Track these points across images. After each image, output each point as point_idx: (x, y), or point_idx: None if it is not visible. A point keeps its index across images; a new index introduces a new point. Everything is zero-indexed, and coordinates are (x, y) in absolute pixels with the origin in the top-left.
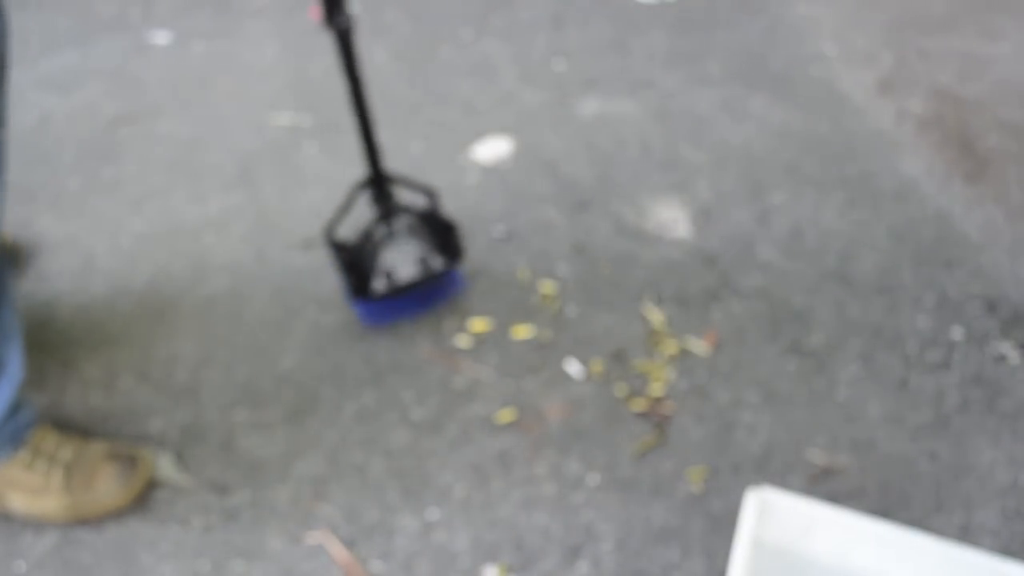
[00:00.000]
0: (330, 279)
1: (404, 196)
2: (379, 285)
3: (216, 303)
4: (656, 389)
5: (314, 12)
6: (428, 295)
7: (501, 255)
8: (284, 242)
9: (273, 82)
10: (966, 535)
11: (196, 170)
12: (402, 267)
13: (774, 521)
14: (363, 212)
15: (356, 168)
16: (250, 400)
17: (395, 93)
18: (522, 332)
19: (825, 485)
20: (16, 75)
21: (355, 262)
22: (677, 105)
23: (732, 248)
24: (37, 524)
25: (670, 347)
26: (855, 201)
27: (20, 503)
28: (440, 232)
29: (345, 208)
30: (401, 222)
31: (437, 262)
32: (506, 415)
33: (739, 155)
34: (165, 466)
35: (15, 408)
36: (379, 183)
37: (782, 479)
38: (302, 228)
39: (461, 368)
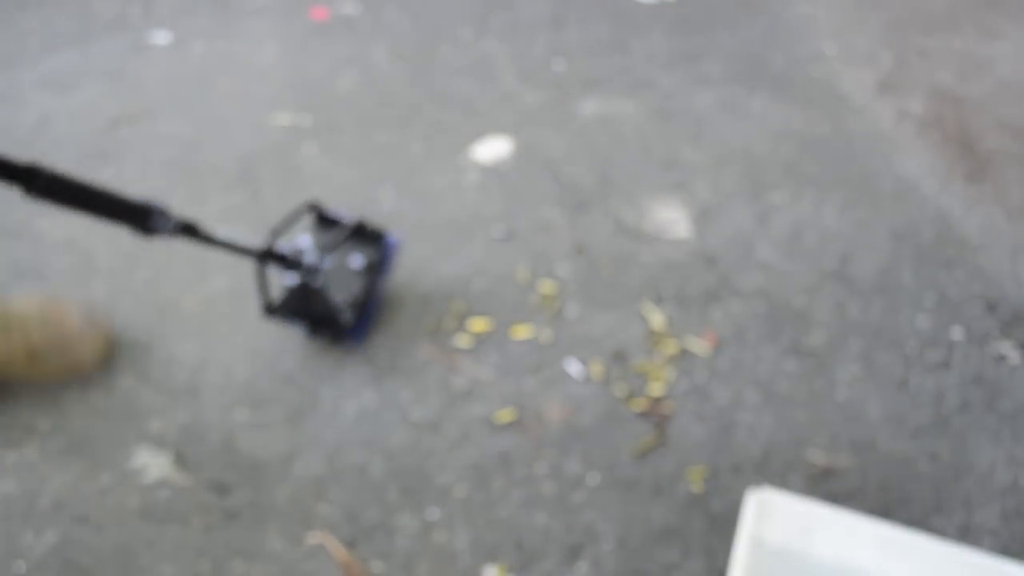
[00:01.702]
0: None
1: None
2: (347, 313)
3: (216, 303)
4: (656, 389)
5: (315, 13)
6: (379, 277)
7: (501, 255)
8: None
9: (273, 82)
10: (966, 535)
11: (196, 170)
12: (352, 285)
13: (774, 521)
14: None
15: (355, 168)
16: (250, 400)
17: (395, 93)
18: (522, 332)
19: (825, 485)
20: (16, 75)
21: (307, 311)
22: (677, 105)
23: (732, 248)
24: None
25: (670, 347)
26: (855, 201)
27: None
28: (349, 228)
29: (262, 283)
30: (316, 252)
31: (371, 253)
32: (506, 415)
33: (739, 155)
34: (165, 466)
35: None
36: (268, 255)
37: (782, 479)
38: (302, 228)
39: (461, 368)
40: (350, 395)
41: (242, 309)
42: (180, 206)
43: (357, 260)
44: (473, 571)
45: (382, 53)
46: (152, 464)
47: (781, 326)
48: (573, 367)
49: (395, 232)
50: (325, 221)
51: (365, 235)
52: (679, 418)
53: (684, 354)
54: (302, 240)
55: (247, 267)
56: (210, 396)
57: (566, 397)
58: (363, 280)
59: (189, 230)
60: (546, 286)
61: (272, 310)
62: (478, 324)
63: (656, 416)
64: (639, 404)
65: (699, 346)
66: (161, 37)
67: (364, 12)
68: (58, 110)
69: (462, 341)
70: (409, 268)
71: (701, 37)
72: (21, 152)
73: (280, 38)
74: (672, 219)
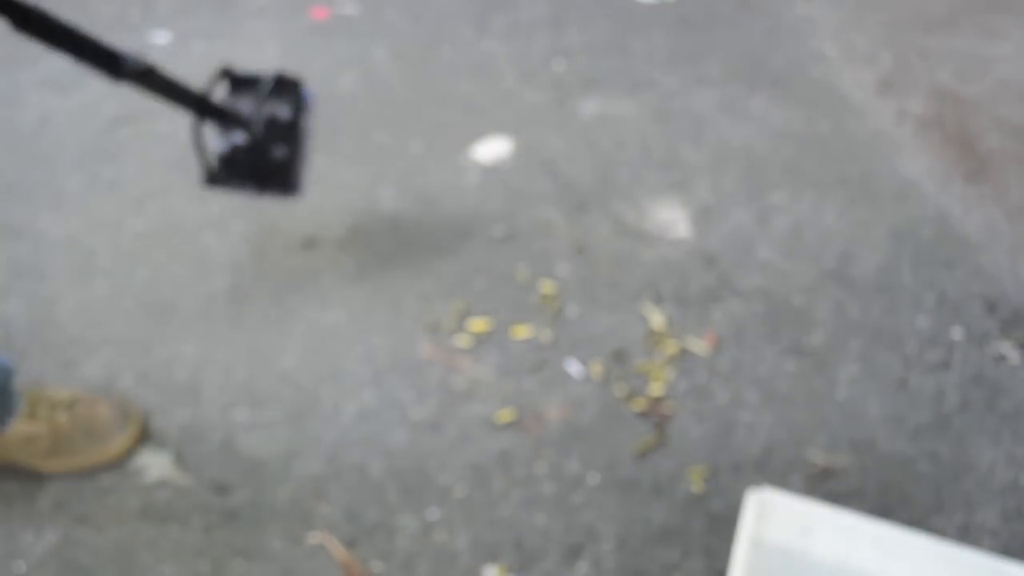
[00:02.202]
0: (330, 278)
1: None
2: (287, 166)
3: (216, 303)
4: (656, 389)
5: (315, 13)
6: (305, 123)
7: (501, 255)
8: (284, 242)
9: None
10: (966, 535)
11: (196, 170)
12: (282, 135)
13: (774, 521)
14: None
15: (355, 168)
16: (250, 400)
17: (395, 93)
18: (522, 332)
19: (825, 485)
20: (16, 75)
21: (248, 170)
22: (677, 105)
23: (732, 248)
24: (50, 476)
25: (670, 347)
26: (855, 201)
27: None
28: (267, 83)
29: (201, 147)
30: (236, 109)
31: (294, 103)
32: (506, 415)
33: (739, 155)
34: (165, 466)
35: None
36: (206, 111)
37: (782, 479)
38: (302, 228)
39: (461, 368)
40: (350, 395)
41: (242, 309)
42: (180, 206)
43: (284, 111)
44: (473, 571)
45: (382, 53)
46: (152, 464)
47: (781, 326)
48: (573, 367)
49: (307, 84)
50: (240, 82)
51: (283, 87)
52: (679, 418)
53: (684, 354)
54: (226, 102)
55: (247, 267)
56: (210, 396)
57: (566, 397)
58: (295, 130)
59: (148, 75)
60: (546, 286)
61: (215, 177)
62: (478, 324)
63: (656, 416)
64: (639, 404)
65: (699, 346)
66: (161, 37)
67: (364, 12)
68: (58, 110)
69: (462, 341)
70: (409, 267)
71: (701, 37)
72: (21, 152)
73: (280, 38)
74: (672, 219)
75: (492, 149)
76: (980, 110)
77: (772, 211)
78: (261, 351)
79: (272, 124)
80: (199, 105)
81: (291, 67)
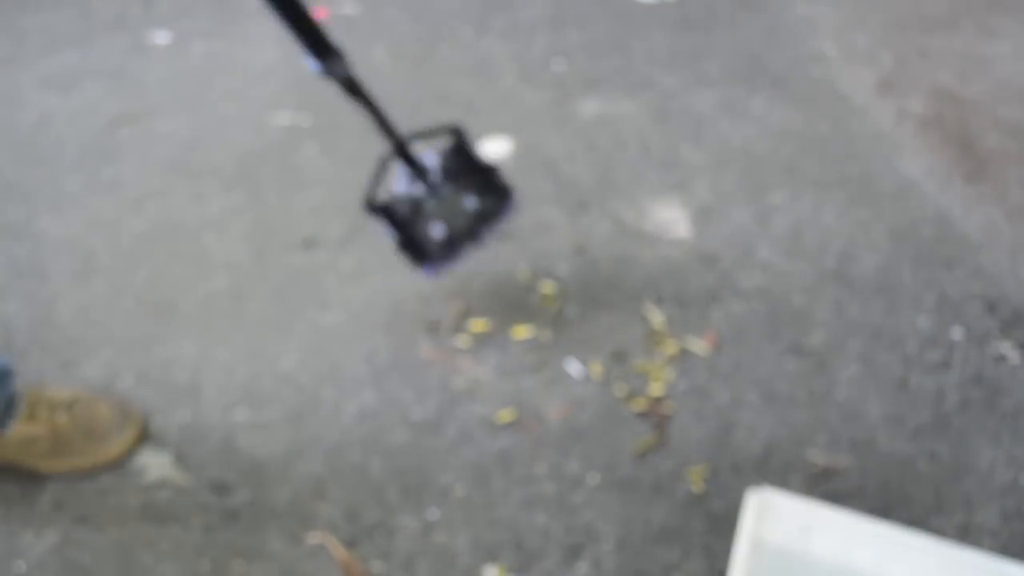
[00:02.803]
0: (330, 278)
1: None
2: (438, 245)
3: (216, 303)
4: (656, 389)
5: (315, 13)
6: (483, 229)
7: (501, 255)
8: (284, 242)
9: (273, 82)
10: (966, 535)
11: (196, 170)
12: (455, 219)
13: (774, 521)
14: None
15: (355, 168)
16: (250, 400)
17: (395, 93)
18: (522, 332)
19: (825, 485)
20: (16, 75)
21: (406, 223)
22: (677, 105)
23: (732, 248)
24: (55, 477)
25: (670, 347)
26: (855, 201)
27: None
28: (481, 170)
29: (378, 177)
30: (439, 174)
31: (487, 203)
32: (506, 415)
33: (739, 155)
34: (165, 466)
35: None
36: (403, 149)
37: (782, 479)
38: (302, 228)
39: (461, 368)
40: (350, 395)
41: (242, 309)
42: (180, 206)
43: (471, 202)
44: (473, 571)
45: (382, 53)
46: (152, 464)
47: (781, 326)
48: (573, 367)
49: (517, 194)
50: (461, 151)
51: (490, 182)
52: (679, 418)
53: (684, 354)
54: (428, 156)
55: (247, 267)
56: (210, 396)
57: (566, 397)
58: (468, 223)
59: (352, 86)
60: (546, 286)
61: (375, 206)
62: (478, 324)
63: (656, 416)
64: (639, 404)
65: (699, 346)
66: (161, 37)
67: (364, 12)
68: (58, 110)
69: (462, 341)
70: (409, 267)
71: (701, 37)
72: (21, 152)
73: (280, 38)
74: (672, 219)
75: (492, 149)
76: (980, 110)
77: (772, 211)
78: (261, 351)
79: (452, 203)
80: (399, 144)
81: (291, 67)
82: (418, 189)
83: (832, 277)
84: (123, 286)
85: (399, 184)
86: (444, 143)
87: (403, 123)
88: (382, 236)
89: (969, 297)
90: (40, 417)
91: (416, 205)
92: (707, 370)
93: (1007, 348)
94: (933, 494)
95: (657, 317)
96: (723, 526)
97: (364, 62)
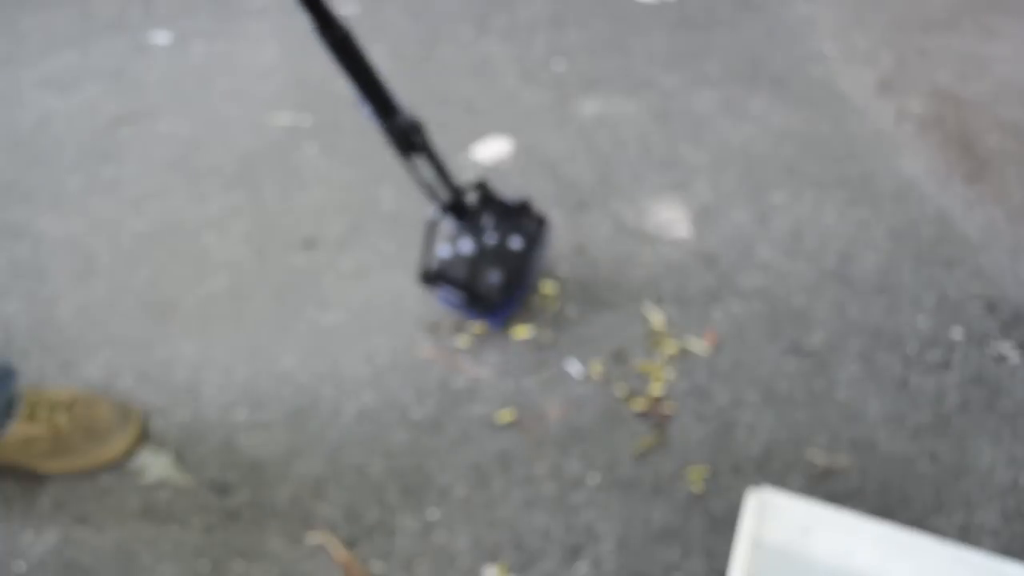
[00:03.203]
0: (330, 278)
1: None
2: (499, 291)
3: (216, 303)
4: (656, 389)
5: None
6: (534, 263)
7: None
8: (284, 242)
9: (273, 82)
10: (966, 535)
11: (196, 170)
12: (508, 263)
13: (774, 521)
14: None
15: (356, 168)
16: (250, 400)
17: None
18: (522, 332)
19: (825, 485)
20: (16, 75)
21: (466, 281)
22: (677, 105)
23: (732, 248)
24: (56, 476)
25: (670, 347)
26: (855, 201)
27: (40, 455)
28: (514, 210)
29: (429, 243)
30: (477, 221)
31: (530, 237)
32: (506, 415)
33: (739, 155)
34: (165, 466)
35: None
36: (459, 200)
37: (782, 479)
38: (302, 228)
39: (461, 368)
40: (350, 395)
41: (242, 309)
42: (180, 206)
43: (516, 241)
44: (473, 571)
45: (382, 53)
46: (152, 464)
47: (781, 326)
48: (573, 367)
49: (550, 218)
50: (489, 200)
51: (525, 217)
52: (679, 418)
53: (684, 354)
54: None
55: (247, 267)
56: (210, 396)
57: (566, 397)
58: (519, 262)
59: (413, 144)
60: (546, 286)
61: (429, 278)
62: (478, 324)
63: (656, 416)
64: (639, 404)
65: (699, 346)
66: (161, 37)
67: (364, 12)
68: (58, 110)
69: (462, 341)
70: (409, 267)
71: (701, 37)
72: (21, 152)
73: (280, 38)
74: (672, 219)
75: (492, 149)
76: (980, 110)
77: (772, 211)
78: (261, 351)
79: (500, 249)
80: (455, 193)
81: (291, 67)
82: (464, 246)
83: (832, 277)
84: (123, 286)
85: (442, 251)
86: (472, 198)
87: None
88: (382, 236)
89: (969, 297)
90: (40, 417)
91: (468, 261)
92: (707, 370)
93: (1007, 348)
94: (933, 494)
95: (657, 317)
96: (723, 526)
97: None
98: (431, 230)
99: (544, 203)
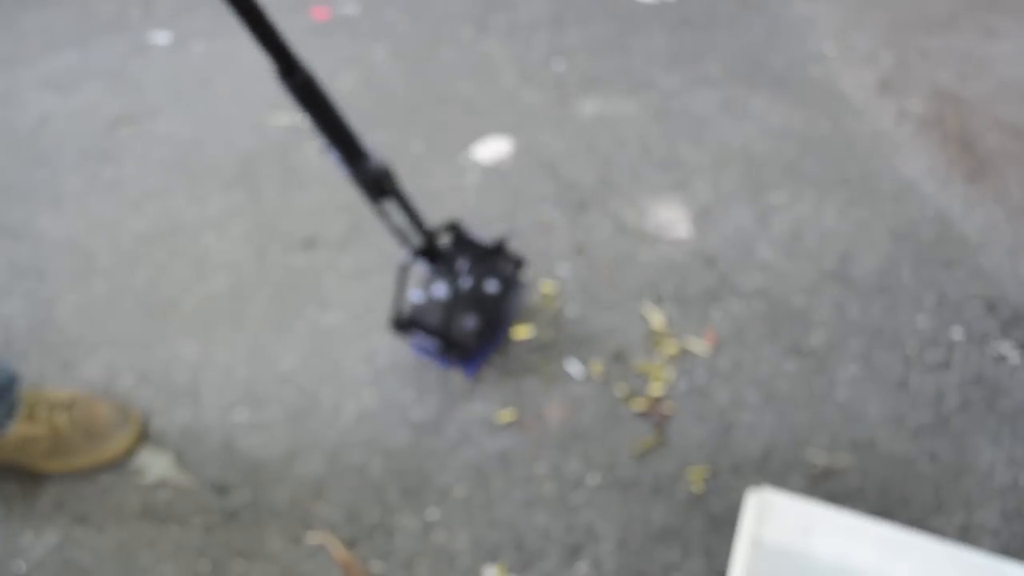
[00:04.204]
0: (330, 278)
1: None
2: (474, 337)
3: (216, 303)
4: (656, 389)
5: (315, 13)
6: (511, 306)
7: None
8: (284, 242)
9: (273, 82)
10: (966, 535)
11: (196, 170)
12: (483, 306)
13: (774, 521)
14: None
15: None
16: (250, 400)
17: (395, 93)
18: (522, 332)
19: (825, 485)
20: (16, 75)
21: (441, 328)
22: (677, 105)
23: (732, 248)
24: (57, 475)
25: (670, 347)
26: (855, 201)
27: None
28: (489, 251)
29: (401, 289)
30: (450, 264)
31: (505, 279)
32: (506, 415)
33: (739, 155)
34: (165, 466)
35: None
36: (432, 244)
37: (782, 479)
38: (302, 228)
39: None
40: (350, 395)
41: (242, 309)
42: (180, 206)
43: (492, 284)
44: (473, 571)
45: (382, 53)
46: (152, 464)
47: (781, 326)
48: (573, 367)
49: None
50: (463, 240)
51: (500, 259)
52: (679, 418)
53: (684, 354)
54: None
55: (247, 267)
56: (210, 396)
57: (566, 397)
58: (495, 306)
59: (383, 189)
60: (546, 286)
61: (401, 324)
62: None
63: (656, 416)
64: (639, 404)
65: (699, 346)
66: (161, 37)
67: (364, 12)
68: (58, 110)
69: None
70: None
71: (701, 37)
72: (21, 152)
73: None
74: (672, 219)
75: (492, 149)
76: (980, 110)
77: (772, 211)
78: (261, 351)
79: (475, 293)
80: (427, 237)
81: None
82: (437, 291)
83: (832, 277)
84: (123, 286)
85: (413, 295)
86: (445, 239)
87: (403, 123)
88: (382, 236)
89: (969, 297)
90: (40, 417)
91: (441, 307)
92: (707, 370)
93: (1007, 348)
94: (933, 494)
95: (657, 317)
96: (723, 526)
97: (364, 62)
98: (403, 275)
99: (544, 203)
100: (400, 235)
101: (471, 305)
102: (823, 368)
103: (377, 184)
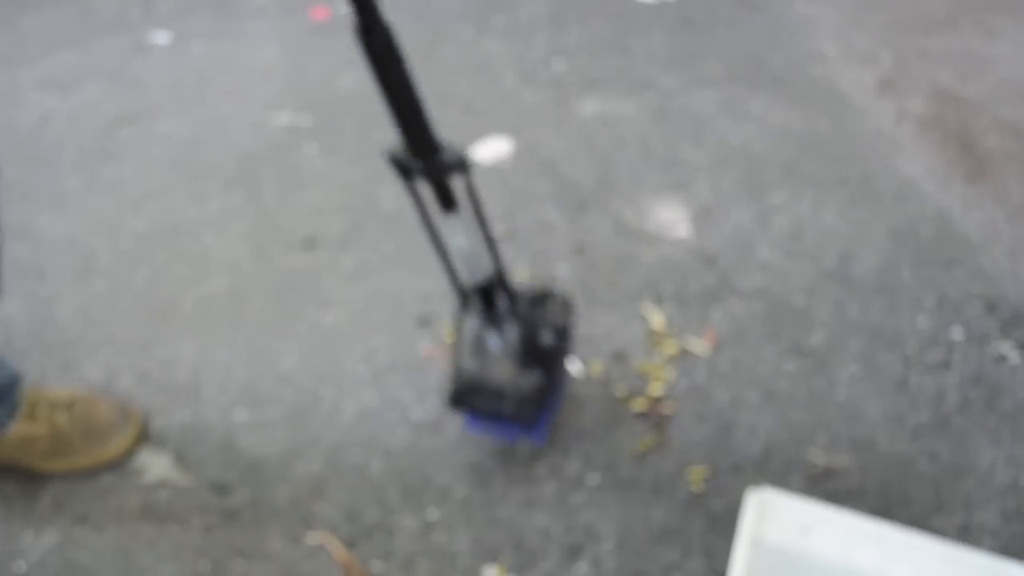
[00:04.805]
0: (330, 278)
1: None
2: (539, 395)
3: (216, 303)
4: (656, 389)
5: (315, 13)
6: (567, 353)
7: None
8: (284, 242)
9: (273, 82)
10: (966, 535)
11: (196, 170)
12: (543, 361)
13: (774, 521)
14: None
15: (355, 168)
16: (250, 400)
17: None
18: None
19: (825, 485)
20: (16, 75)
21: (499, 394)
22: (677, 105)
23: (732, 248)
24: (56, 475)
25: (670, 347)
26: (855, 201)
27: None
28: (537, 298)
29: (462, 351)
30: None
31: (559, 325)
32: None
33: (739, 155)
34: (165, 466)
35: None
36: (490, 289)
37: (782, 479)
38: (302, 228)
39: None
40: (350, 395)
41: (242, 309)
42: (180, 206)
43: (547, 335)
44: (473, 571)
45: None
46: (152, 464)
47: (781, 326)
48: (573, 367)
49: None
50: (503, 287)
51: (549, 303)
52: (679, 418)
53: (684, 354)
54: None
55: (247, 267)
56: (210, 396)
57: (566, 397)
58: (552, 357)
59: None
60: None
61: (461, 399)
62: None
63: (656, 416)
64: (639, 404)
65: (699, 346)
66: (161, 37)
67: None
68: (58, 110)
69: None
70: (409, 267)
71: (701, 37)
72: (21, 152)
73: (280, 38)
74: (672, 219)
75: (492, 149)
76: (980, 110)
77: (772, 211)
78: (261, 351)
79: (529, 343)
80: (498, 271)
81: (291, 67)
82: (493, 347)
83: (832, 277)
84: (123, 286)
85: (464, 360)
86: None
87: None
88: (382, 236)
89: (969, 297)
90: (40, 417)
91: (497, 367)
92: (707, 370)
93: (1007, 348)
94: (933, 494)
95: (657, 317)
96: (723, 526)
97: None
98: (461, 328)
99: (544, 203)
100: (453, 270)
101: (531, 360)
102: (823, 368)
103: (446, 190)
